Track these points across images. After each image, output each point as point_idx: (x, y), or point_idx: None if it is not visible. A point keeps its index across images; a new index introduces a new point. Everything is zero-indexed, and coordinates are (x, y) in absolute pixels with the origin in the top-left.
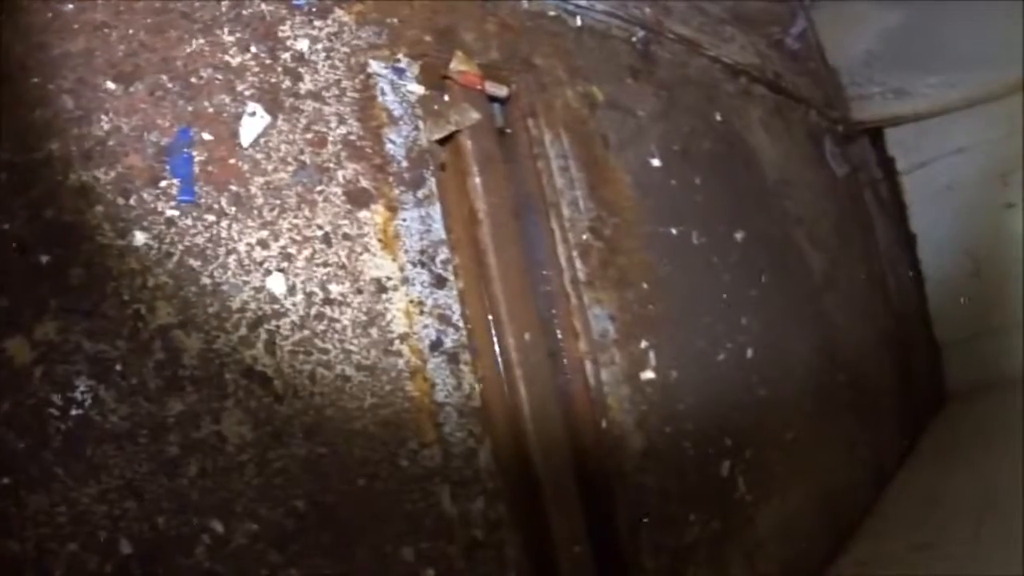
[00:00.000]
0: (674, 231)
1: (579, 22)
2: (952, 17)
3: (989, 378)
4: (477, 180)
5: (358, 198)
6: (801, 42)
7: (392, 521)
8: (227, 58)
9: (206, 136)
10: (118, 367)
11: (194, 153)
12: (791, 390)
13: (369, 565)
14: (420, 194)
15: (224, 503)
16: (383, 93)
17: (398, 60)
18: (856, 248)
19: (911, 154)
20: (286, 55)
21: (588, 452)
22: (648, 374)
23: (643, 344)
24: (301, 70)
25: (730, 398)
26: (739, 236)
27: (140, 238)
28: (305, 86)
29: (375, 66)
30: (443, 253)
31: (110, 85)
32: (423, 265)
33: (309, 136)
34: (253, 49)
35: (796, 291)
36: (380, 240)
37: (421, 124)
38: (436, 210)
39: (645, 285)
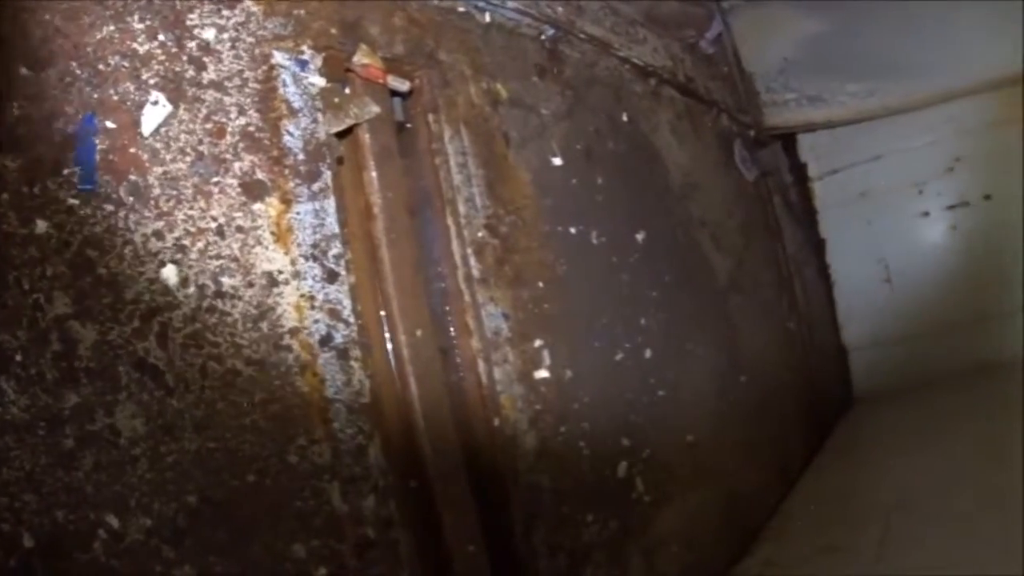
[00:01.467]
0: (573, 230)
1: (488, 19)
2: (875, 27)
3: (897, 382)
4: (373, 175)
5: (253, 190)
6: (716, 46)
7: (283, 518)
8: (135, 46)
9: (109, 124)
10: (18, 357)
11: (97, 141)
12: (691, 391)
13: (262, 563)
14: (315, 187)
15: (119, 497)
16: (285, 85)
17: (302, 52)
18: (762, 252)
19: (824, 160)
20: (192, 44)
21: (481, 451)
22: (542, 373)
23: (537, 343)
24: (206, 59)
25: (627, 398)
26: (640, 237)
27: (41, 226)
28: (208, 76)
29: (279, 57)
30: (335, 247)
31: (24, 71)
32: (315, 259)
33: (209, 126)
34: (161, 37)
35: (699, 293)
36: (273, 233)
37: (321, 117)
38: (330, 204)
39: (541, 284)
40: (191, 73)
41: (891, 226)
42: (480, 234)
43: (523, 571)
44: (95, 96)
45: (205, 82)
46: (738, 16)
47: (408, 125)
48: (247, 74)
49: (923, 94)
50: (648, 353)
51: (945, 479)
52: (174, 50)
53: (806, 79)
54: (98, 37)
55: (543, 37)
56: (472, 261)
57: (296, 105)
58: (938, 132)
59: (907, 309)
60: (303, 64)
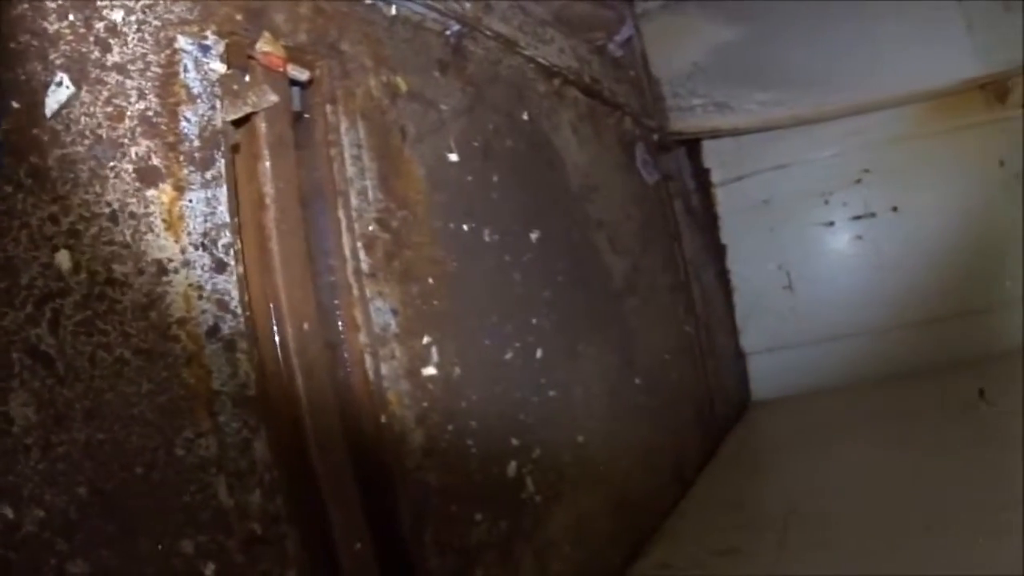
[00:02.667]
0: (465, 227)
1: (394, 11)
2: (788, 38)
3: (795, 388)
4: (267, 164)
5: (147, 176)
6: (625, 50)
7: (171, 512)
8: (45, 24)
9: (15, 104)
10: None
11: (3, 122)
12: (583, 392)
13: (152, 558)
14: (208, 175)
15: (13, 487)
16: (186, 70)
17: (206, 37)
18: (660, 255)
19: (728, 167)
20: (100, 25)
21: (368, 448)
22: (430, 370)
23: (426, 340)
24: (111, 41)
25: (517, 398)
26: (535, 236)
27: None
28: (112, 58)
29: (182, 42)
30: (225, 237)
31: None
32: (205, 248)
33: (109, 110)
34: (71, 17)
35: (593, 294)
36: (165, 220)
37: (219, 104)
38: (223, 193)
39: (431, 280)
40: (96, 55)
41: (794, 234)
42: (371, 228)
43: (413, 570)
44: (7, 76)
45: (109, 64)
46: (651, 21)
47: (306, 115)
48: (150, 58)
49: (833, 106)
50: (539, 353)
51: (843, 483)
52: (82, 30)
53: (714, 86)
54: (13, 14)
55: (448, 32)
56: (362, 255)
57: (195, 91)
58: (846, 144)
59: (807, 315)
60: (206, 49)
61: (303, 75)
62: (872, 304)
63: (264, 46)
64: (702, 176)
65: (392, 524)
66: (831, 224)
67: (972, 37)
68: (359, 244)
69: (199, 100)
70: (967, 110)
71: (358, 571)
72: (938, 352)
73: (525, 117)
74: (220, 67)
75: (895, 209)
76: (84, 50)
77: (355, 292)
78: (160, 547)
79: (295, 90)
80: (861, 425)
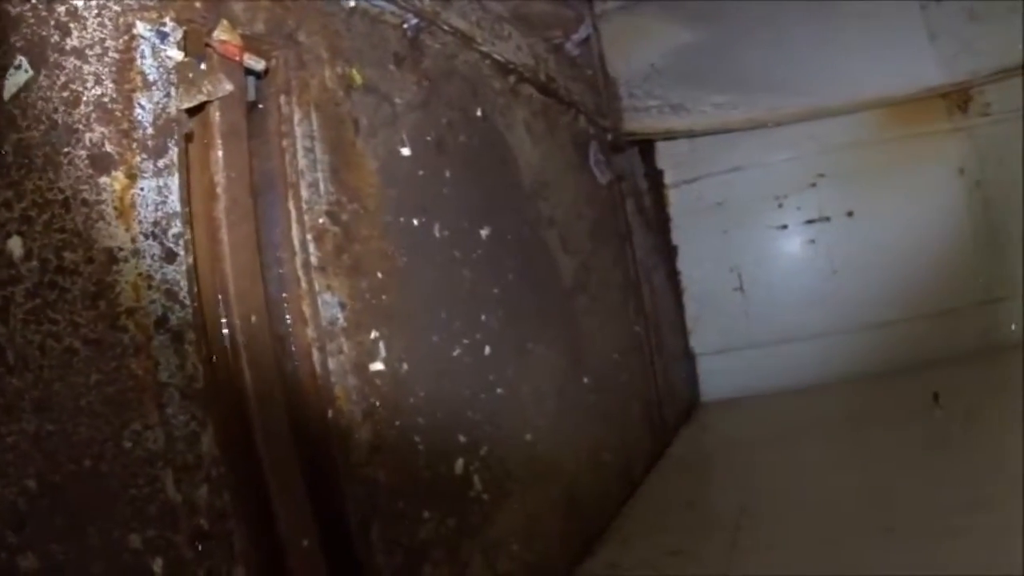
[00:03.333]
0: (416, 222)
1: (352, 3)
2: (747, 42)
3: (746, 389)
4: (220, 153)
5: (101, 163)
6: (582, 49)
7: (119, 506)
8: (8, 7)
9: None
10: None
11: None
12: (531, 390)
13: (101, 552)
14: (161, 163)
15: None
16: (143, 56)
17: (164, 24)
18: (611, 254)
19: (682, 169)
20: (61, 8)
21: (315, 443)
22: (377, 365)
23: (373, 335)
24: (72, 25)
25: (465, 395)
26: (485, 233)
27: None
28: (71, 42)
29: (141, 27)
30: (176, 226)
31: None
32: (155, 237)
33: (65, 94)
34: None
35: (543, 292)
36: (116, 208)
37: (174, 91)
38: (174, 181)
39: (380, 275)
40: (56, 38)
41: (747, 237)
42: (321, 220)
43: (360, 567)
44: None
45: (68, 48)
46: (610, 21)
47: (260, 105)
48: (108, 43)
49: (789, 110)
50: (487, 350)
51: (795, 484)
52: (43, 13)
53: (671, 87)
54: None
55: (406, 26)
56: (311, 248)
57: (151, 78)
58: (801, 148)
59: (758, 318)
60: (164, 36)
61: (259, 65)
62: (824, 307)
63: (221, 34)
64: (655, 177)
65: (340, 521)
66: (784, 227)
67: (935, 46)
68: (309, 237)
69: (155, 87)
70: (927, 118)
71: (305, 568)
72: (892, 356)
73: (479, 113)
74: (177, 54)
75: (850, 214)
76: (44, 33)
77: (303, 285)
78: (109, 541)
79: (250, 80)
80: (814, 427)
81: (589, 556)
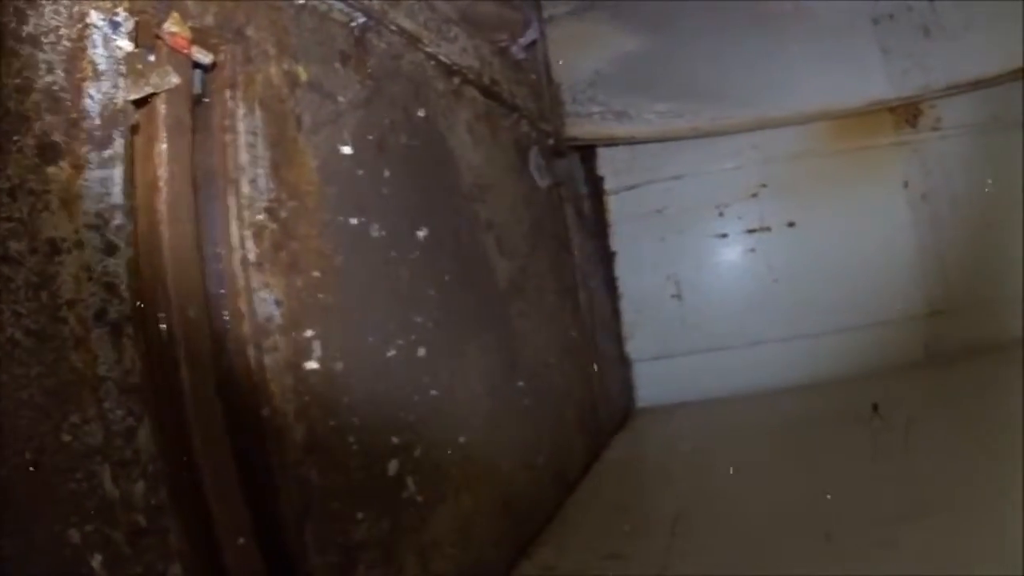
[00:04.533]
0: (354, 221)
1: (302, 0)
2: (693, 52)
3: (682, 396)
4: (163, 146)
5: (48, 152)
6: (528, 53)
7: (60, 501)
8: None
9: None
10: None
11: None
12: (466, 392)
13: (44, 547)
14: (106, 154)
15: None
16: (94, 46)
17: (117, 13)
18: (548, 259)
19: (622, 175)
20: None
21: (250, 441)
22: (312, 364)
23: (309, 333)
24: (28, 12)
25: (399, 396)
26: (422, 234)
27: None
28: (27, 29)
29: (94, 17)
30: (118, 219)
31: None
32: (97, 229)
33: (18, 82)
34: None
35: (478, 295)
36: (61, 199)
37: (122, 82)
38: (118, 173)
39: (316, 273)
40: (13, 25)
41: (686, 244)
42: (260, 217)
43: (296, 566)
44: None
45: (23, 35)
46: (557, 26)
47: (205, 99)
48: (63, 31)
49: (732, 120)
50: (422, 351)
51: (732, 490)
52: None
53: (615, 94)
54: None
55: (353, 24)
56: (249, 244)
57: (101, 68)
58: (744, 158)
59: (696, 325)
60: (116, 26)
61: (207, 58)
62: (763, 316)
63: (172, 26)
64: (596, 183)
65: (275, 519)
66: (724, 236)
67: (887, 61)
68: (247, 233)
69: (104, 77)
70: (874, 131)
71: (241, 566)
72: (832, 365)
73: (422, 114)
74: (128, 45)
75: (791, 224)
76: (3, 20)
77: (241, 281)
78: (51, 536)
79: (197, 73)
80: (751, 435)
81: (524, 559)
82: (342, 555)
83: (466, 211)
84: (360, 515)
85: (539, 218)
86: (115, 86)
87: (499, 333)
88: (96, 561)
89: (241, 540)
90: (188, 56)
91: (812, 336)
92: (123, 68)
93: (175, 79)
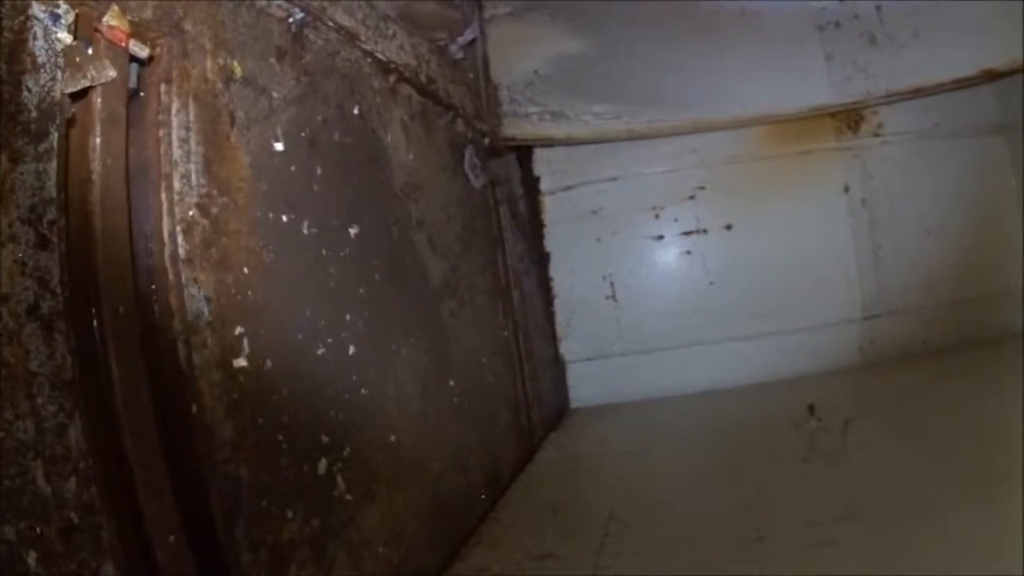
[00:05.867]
0: (285, 218)
1: None
2: (634, 54)
3: (616, 396)
4: (98, 140)
5: None
6: (466, 52)
7: None
8: None
9: None
10: None
11: None
12: (396, 391)
13: None
14: (41, 148)
15: None
16: (35, 38)
17: (58, 6)
18: (481, 259)
19: (558, 176)
20: None
21: (180, 438)
22: (241, 362)
23: (238, 330)
24: None
25: (328, 394)
26: (354, 232)
27: None
28: None
29: (36, 8)
30: (51, 213)
31: None
32: (30, 223)
33: None
34: None
35: (409, 294)
36: None
37: (60, 75)
38: (52, 167)
39: (246, 270)
40: None
41: (621, 246)
42: (191, 213)
43: (227, 565)
44: None
45: None
46: (497, 26)
47: (141, 93)
48: (4, 23)
49: (670, 123)
50: (352, 349)
51: (666, 491)
52: None
53: (552, 95)
54: None
55: (291, 20)
56: (180, 240)
57: (41, 60)
58: (681, 161)
59: (630, 326)
60: (56, 19)
61: (143, 52)
62: (699, 318)
63: (111, 19)
64: (531, 183)
65: (205, 518)
66: (660, 238)
67: (830, 67)
68: (178, 228)
69: (43, 70)
70: (814, 136)
71: (173, 564)
72: (768, 367)
73: (356, 111)
74: (67, 38)
75: (728, 227)
76: None
77: (171, 278)
78: None
79: (133, 67)
80: (685, 436)
81: (457, 559)
82: (272, 554)
83: (398, 210)
84: (290, 513)
85: (472, 218)
86: (53, 79)
87: (430, 332)
88: (31, 558)
89: (172, 538)
90: (125, 49)
91: (747, 339)
92: (61, 61)
93: (112, 72)
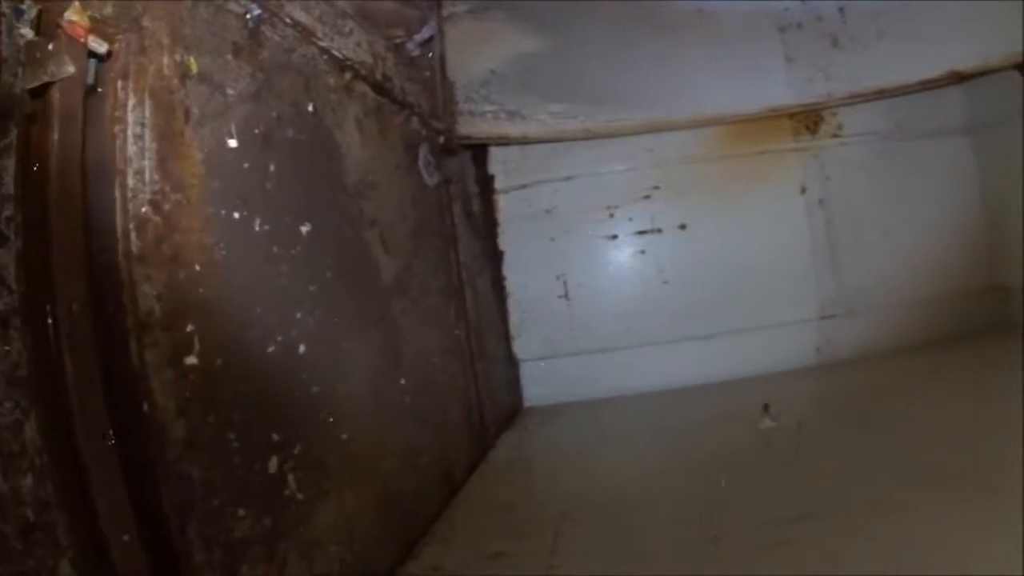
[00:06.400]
0: (237, 215)
1: None
2: (591, 54)
3: (570, 396)
4: (56, 136)
5: None
6: (423, 49)
7: None
8: None
9: None
10: None
11: None
12: (347, 390)
13: None
14: (1, 144)
15: None
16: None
17: (22, 1)
18: (434, 257)
19: (513, 175)
20: None
21: (133, 436)
22: (192, 360)
23: (189, 328)
24: None
25: (279, 392)
26: (305, 229)
27: None
28: None
29: (2, 4)
30: (8, 209)
31: None
32: None
33: None
34: None
35: (361, 292)
36: None
37: (21, 71)
38: (11, 163)
39: (198, 267)
40: None
41: (575, 245)
42: (144, 209)
43: (180, 563)
44: None
45: None
46: (456, 24)
47: (99, 89)
48: None
49: (626, 123)
50: (303, 348)
51: (619, 491)
52: None
53: (509, 94)
54: None
55: (248, 16)
56: (133, 236)
57: (3, 55)
58: (637, 160)
59: (584, 326)
60: (20, 14)
61: (102, 48)
62: (653, 318)
63: (72, 15)
64: (486, 182)
65: (158, 516)
66: (614, 237)
67: (790, 69)
68: (131, 225)
69: (5, 66)
70: (772, 136)
71: (127, 562)
72: (722, 367)
73: (311, 108)
74: (29, 33)
75: (683, 226)
76: None
77: (124, 275)
78: None
79: (92, 63)
80: (639, 435)
81: (410, 558)
82: (225, 552)
83: (351, 208)
84: (242, 512)
85: (426, 216)
86: (14, 75)
87: (382, 331)
88: None
89: (126, 536)
90: (85, 45)
91: (702, 338)
92: (23, 56)
93: (71, 68)
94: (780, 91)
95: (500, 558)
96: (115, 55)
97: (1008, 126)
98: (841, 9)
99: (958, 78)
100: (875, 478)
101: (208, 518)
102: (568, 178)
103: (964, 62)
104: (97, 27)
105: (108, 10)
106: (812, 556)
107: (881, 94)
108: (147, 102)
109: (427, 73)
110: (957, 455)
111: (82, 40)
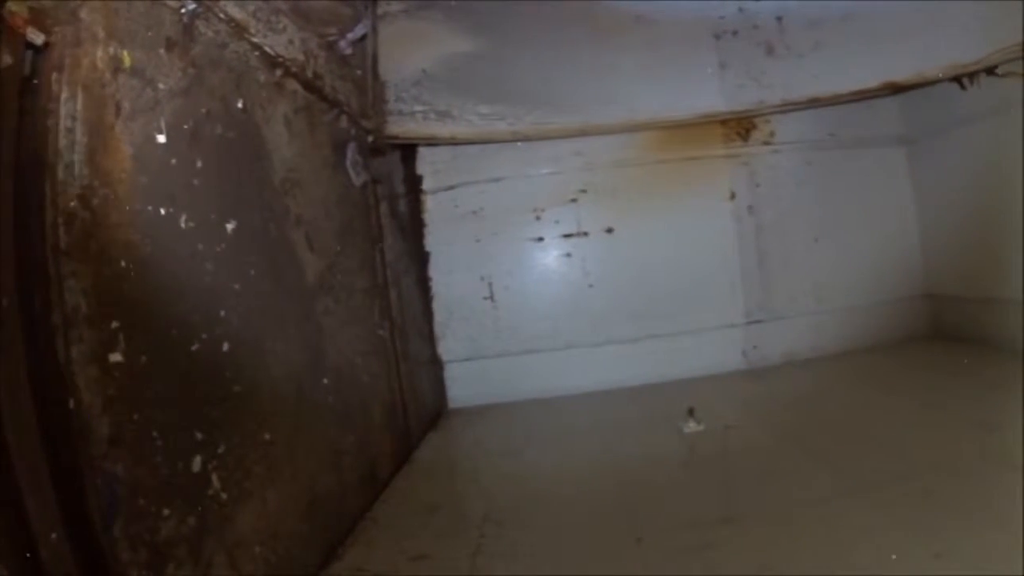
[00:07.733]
0: (163, 211)
1: None
2: (524, 56)
3: (495, 397)
4: None
5: None
6: (355, 48)
7: None
8: None
9: None
10: None
11: None
12: (269, 390)
13: None
14: None
15: None
16: None
17: None
18: (358, 257)
19: (441, 175)
20: None
21: (59, 433)
22: (117, 356)
23: (114, 324)
24: None
25: (202, 391)
26: (231, 227)
27: None
28: None
29: None
30: None
31: None
32: None
33: None
34: None
35: (285, 291)
36: None
37: None
38: None
39: (124, 263)
40: None
41: (501, 247)
42: (72, 204)
43: (107, 563)
44: None
45: None
46: (390, 23)
47: (35, 81)
48: None
49: (555, 126)
50: (226, 346)
51: (543, 492)
52: None
53: (439, 94)
54: None
55: (183, 10)
56: (61, 231)
57: None
58: (565, 163)
59: (509, 327)
60: None
61: (39, 39)
62: (577, 320)
63: (12, 5)
64: (414, 182)
65: (85, 515)
66: (540, 240)
67: (723, 75)
68: (60, 220)
69: None
70: (702, 142)
71: (55, 562)
72: (648, 370)
73: (240, 105)
74: None
75: (610, 230)
76: None
77: (51, 270)
78: None
79: (28, 54)
80: (563, 437)
81: (335, 559)
82: (151, 552)
83: (277, 205)
84: (167, 512)
85: (352, 215)
86: None
87: (305, 330)
88: None
89: (54, 535)
90: (23, 36)
91: (627, 341)
92: None
93: (8, 59)
94: (712, 98)
95: (424, 560)
96: (51, 47)
97: (943, 138)
98: (779, 18)
99: (894, 89)
100: (800, 481)
101: (134, 517)
102: (497, 179)
103: (900, 73)
104: (35, 18)
105: (47, 1)
106: (736, 558)
107: (815, 103)
108: (80, 95)
109: (358, 72)
110: (882, 459)
111: (21, 31)
